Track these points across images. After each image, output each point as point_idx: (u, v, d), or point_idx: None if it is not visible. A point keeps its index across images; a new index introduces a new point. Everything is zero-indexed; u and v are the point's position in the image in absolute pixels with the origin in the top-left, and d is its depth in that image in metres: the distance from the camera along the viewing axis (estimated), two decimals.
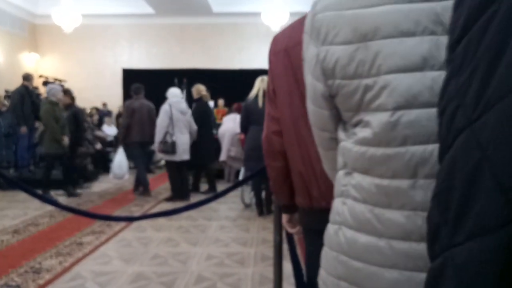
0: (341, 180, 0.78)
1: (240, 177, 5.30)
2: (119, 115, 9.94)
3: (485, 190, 0.37)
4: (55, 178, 6.04)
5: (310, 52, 0.78)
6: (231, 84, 10.70)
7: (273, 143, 1.36)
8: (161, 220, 4.55)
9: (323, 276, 0.81)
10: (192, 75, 9.74)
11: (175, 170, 5.64)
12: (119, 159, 6.07)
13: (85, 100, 11.35)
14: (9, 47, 10.69)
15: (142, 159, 6.12)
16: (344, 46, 0.72)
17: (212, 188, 6.15)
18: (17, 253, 3.57)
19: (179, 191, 5.65)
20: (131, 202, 5.68)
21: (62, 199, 5.66)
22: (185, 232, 4.24)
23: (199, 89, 6.06)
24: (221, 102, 9.65)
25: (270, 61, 1.34)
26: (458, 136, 0.40)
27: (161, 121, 5.55)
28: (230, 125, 6.65)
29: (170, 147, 5.46)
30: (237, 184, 2.87)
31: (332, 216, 0.80)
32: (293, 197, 1.38)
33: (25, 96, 6.82)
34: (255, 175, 3.91)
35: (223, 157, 6.72)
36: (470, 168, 0.38)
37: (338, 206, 0.78)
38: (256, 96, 4.70)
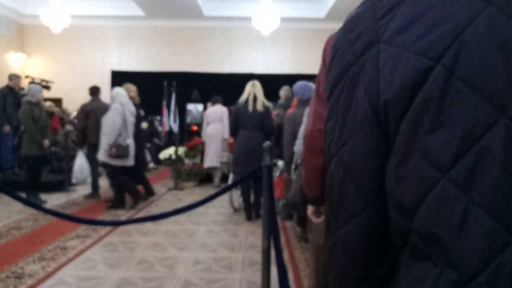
0: None
1: (229, 181, 5.25)
2: None
3: (349, 192, 0.58)
4: (44, 181, 5.95)
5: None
6: (220, 88, 10.69)
7: (317, 141, 1.41)
8: (148, 225, 4.49)
9: None
10: (181, 78, 9.70)
11: (122, 175, 5.26)
12: (80, 162, 5.95)
13: (73, 102, 11.24)
14: None
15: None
16: None
17: (148, 192, 5.92)
18: None
19: (122, 198, 5.36)
20: None
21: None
22: (172, 236, 4.19)
23: (128, 89, 5.66)
24: (210, 105, 9.60)
25: (325, 60, 1.35)
26: (332, 159, 0.61)
27: (114, 122, 5.04)
28: (217, 128, 6.57)
29: (125, 151, 5.04)
30: (225, 189, 2.84)
31: None
32: (323, 191, 1.40)
33: (8, 96, 6.72)
34: (244, 179, 3.89)
35: (213, 163, 6.61)
36: (340, 179, 0.59)
37: None
38: (247, 101, 4.69)
